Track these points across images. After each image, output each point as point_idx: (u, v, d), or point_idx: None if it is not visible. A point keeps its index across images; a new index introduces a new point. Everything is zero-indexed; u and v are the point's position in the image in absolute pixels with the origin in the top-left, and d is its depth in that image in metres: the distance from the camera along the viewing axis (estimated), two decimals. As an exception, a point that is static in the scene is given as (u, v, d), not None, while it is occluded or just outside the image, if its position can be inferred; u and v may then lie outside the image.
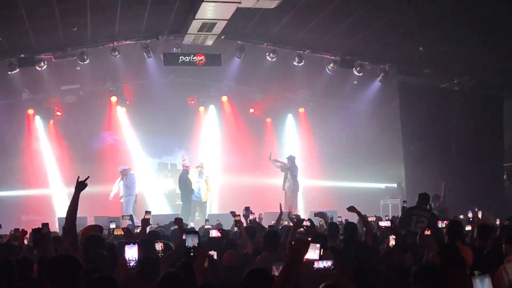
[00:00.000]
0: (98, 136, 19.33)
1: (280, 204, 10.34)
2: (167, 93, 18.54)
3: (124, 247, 4.60)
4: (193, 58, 15.95)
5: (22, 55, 15.38)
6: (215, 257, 5.60)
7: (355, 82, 17.67)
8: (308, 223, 7.29)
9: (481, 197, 14.56)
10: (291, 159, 18.00)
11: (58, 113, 18.64)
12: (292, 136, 20.36)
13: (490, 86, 16.91)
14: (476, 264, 5.76)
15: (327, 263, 4.08)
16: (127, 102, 19.01)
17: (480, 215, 9.76)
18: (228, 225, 10.91)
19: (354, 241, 6.64)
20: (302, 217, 11.15)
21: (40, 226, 5.60)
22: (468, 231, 8.15)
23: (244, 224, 8.60)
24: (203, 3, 12.77)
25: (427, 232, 6.39)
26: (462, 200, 14.73)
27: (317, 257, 3.80)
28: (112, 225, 8.56)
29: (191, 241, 4.14)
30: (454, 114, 16.94)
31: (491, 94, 17.18)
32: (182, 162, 17.32)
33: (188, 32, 14.69)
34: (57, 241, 6.28)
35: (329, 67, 17.09)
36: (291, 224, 9.78)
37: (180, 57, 16.05)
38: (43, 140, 18.55)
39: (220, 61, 16.32)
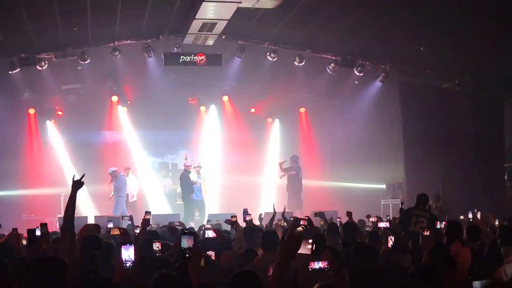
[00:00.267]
0: (99, 136, 19.36)
1: (274, 204, 10.32)
2: (168, 93, 18.51)
3: (121, 247, 4.60)
4: (194, 58, 15.95)
5: (23, 55, 15.37)
6: (213, 257, 5.58)
7: (356, 82, 17.64)
8: (305, 222, 7.26)
9: (482, 197, 14.56)
10: (294, 159, 18.01)
11: (59, 113, 18.61)
12: (293, 136, 20.34)
13: (491, 87, 16.83)
14: (474, 265, 5.77)
15: (323, 264, 4.07)
16: (128, 102, 19.00)
17: (479, 216, 9.74)
18: (228, 225, 10.88)
19: (353, 242, 6.64)
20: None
21: (36, 227, 5.58)
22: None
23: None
24: (204, 3, 12.77)
25: (426, 233, 6.38)
26: (463, 200, 14.67)
27: (309, 252, 3.78)
28: (110, 225, 8.56)
29: (187, 243, 4.12)
30: (455, 114, 16.90)
31: (492, 94, 17.11)
32: (184, 161, 17.31)
33: (188, 32, 14.71)
34: (58, 242, 6.25)
35: (330, 67, 17.07)
36: (285, 224, 9.80)
37: (181, 57, 16.05)
38: (44, 140, 18.56)
39: (220, 61, 16.31)
